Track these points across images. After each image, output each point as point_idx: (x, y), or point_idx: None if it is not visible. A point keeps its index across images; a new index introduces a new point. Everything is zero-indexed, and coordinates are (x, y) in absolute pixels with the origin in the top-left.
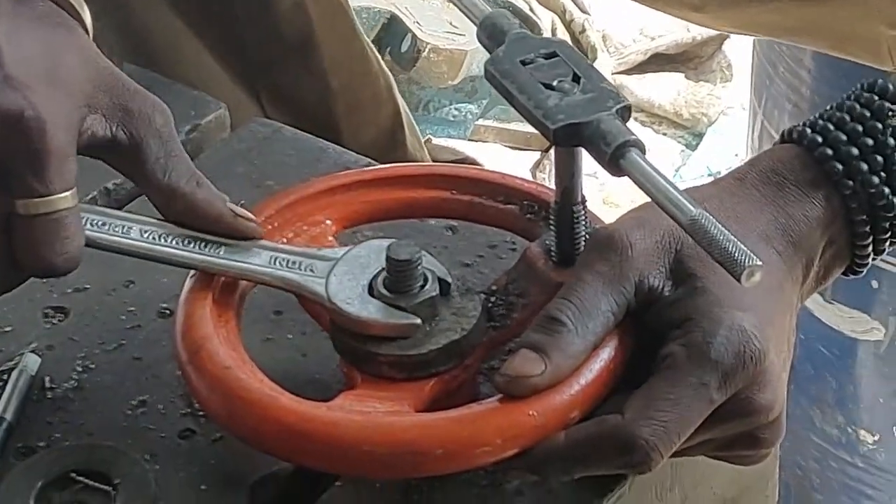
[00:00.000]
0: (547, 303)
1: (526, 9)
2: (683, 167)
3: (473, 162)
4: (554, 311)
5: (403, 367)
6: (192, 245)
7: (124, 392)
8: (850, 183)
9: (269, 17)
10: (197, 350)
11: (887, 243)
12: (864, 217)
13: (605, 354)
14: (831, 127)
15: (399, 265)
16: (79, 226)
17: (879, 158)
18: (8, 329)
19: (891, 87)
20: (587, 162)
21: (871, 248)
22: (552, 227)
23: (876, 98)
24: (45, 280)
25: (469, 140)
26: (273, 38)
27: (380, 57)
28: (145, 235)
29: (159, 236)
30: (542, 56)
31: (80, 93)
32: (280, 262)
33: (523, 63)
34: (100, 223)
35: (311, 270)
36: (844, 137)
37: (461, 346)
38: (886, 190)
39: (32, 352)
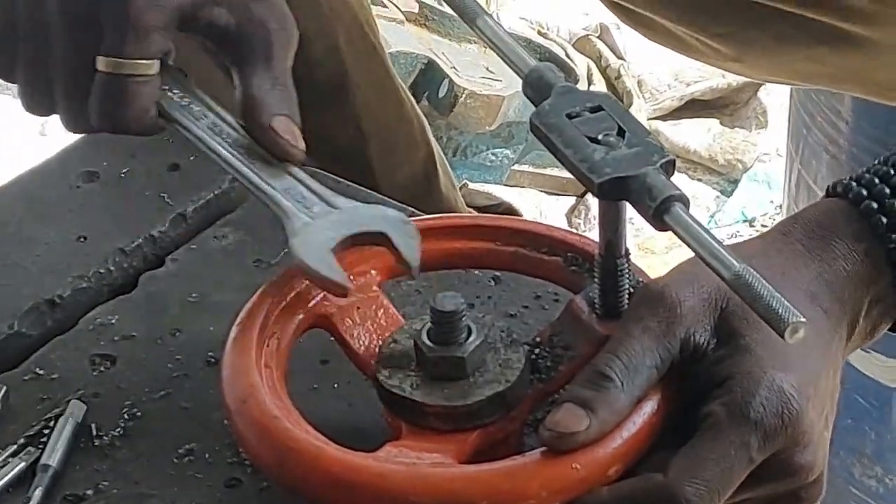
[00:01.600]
0: (591, 355)
1: (562, 55)
2: (719, 213)
3: (510, 208)
4: (602, 366)
5: (448, 418)
6: (242, 152)
7: (171, 440)
8: (894, 237)
9: (302, 61)
10: (244, 399)
11: None
12: None
13: (649, 409)
14: (877, 181)
15: (443, 316)
16: (151, 96)
17: None
18: (55, 376)
19: None
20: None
21: None
22: (596, 280)
23: None
24: (91, 328)
25: (505, 185)
26: (306, 83)
27: (413, 100)
28: (214, 128)
29: (223, 133)
30: (587, 109)
31: None
32: (291, 193)
33: (569, 116)
34: (184, 102)
35: (307, 208)
36: (888, 191)
37: (506, 398)
38: None
39: (79, 399)
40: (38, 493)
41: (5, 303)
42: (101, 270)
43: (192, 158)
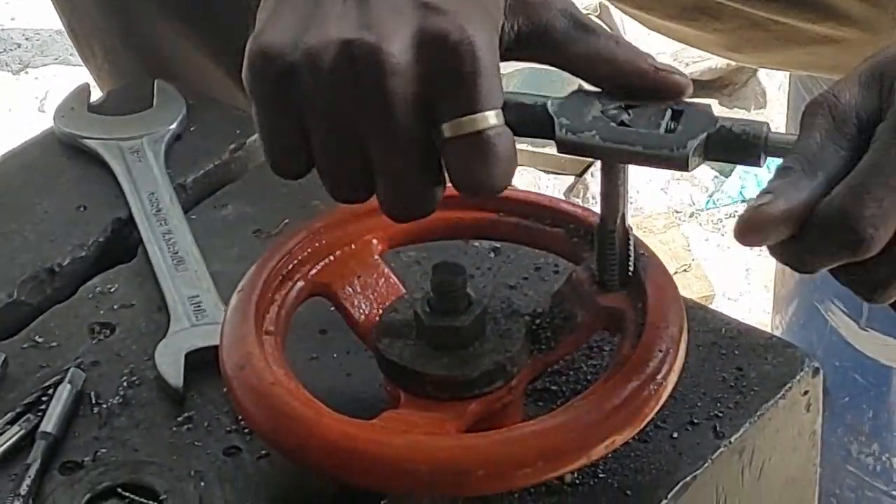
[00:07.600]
0: (592, 326)
1: None
2: (717, 193)
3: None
4: (783, 162)
5: (447, 388)
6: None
7: (170, 408)
8: None
9: None
10: (242, 366)
11: None
12: None
13: (651, 384)
14: None
15: (443, 286)
16: (510, 143)
17: None
18: (54, 344)
19: None
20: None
21: None
22: (596, 252)
23: None
24: (91, 296)
25: None
26: None
27: None
28: None
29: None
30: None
31: (494, 6)
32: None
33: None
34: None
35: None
36: None
37: (505, 368)
38: None
39: (78, 367)
40: (36, 461)
41: (4, 271)
42: (101, 239)
43: (192, 129)
